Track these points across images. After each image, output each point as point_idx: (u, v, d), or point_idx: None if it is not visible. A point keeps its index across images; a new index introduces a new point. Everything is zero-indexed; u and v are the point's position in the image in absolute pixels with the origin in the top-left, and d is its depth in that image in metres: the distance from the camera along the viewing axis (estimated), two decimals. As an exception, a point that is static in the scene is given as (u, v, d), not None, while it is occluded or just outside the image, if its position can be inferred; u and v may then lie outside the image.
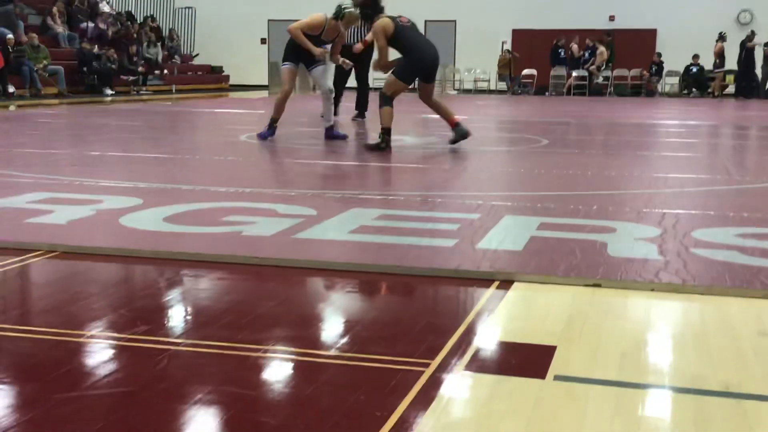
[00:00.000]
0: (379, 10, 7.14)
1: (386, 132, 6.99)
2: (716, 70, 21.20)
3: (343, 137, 7.88)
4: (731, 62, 21.24)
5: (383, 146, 6.95)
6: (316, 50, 7.48)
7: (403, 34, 7.01)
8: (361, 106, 10.80)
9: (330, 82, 7.75)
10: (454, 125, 7.23)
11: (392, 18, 7.06)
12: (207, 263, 3.10)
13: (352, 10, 7.32)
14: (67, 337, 2.28)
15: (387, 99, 7.09)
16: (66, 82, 17.40)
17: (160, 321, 2.49)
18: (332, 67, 8.64)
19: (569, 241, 3.41)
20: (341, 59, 7.99)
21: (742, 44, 20.78)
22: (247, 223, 3.70)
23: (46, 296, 2.73)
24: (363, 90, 10.83)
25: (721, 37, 21.04)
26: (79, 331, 2.32)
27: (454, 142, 7.22)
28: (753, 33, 21.02)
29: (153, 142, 7.98)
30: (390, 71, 7.15)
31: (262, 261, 3.11)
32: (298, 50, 7.51)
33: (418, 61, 7.07)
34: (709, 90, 21.39)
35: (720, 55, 21.04)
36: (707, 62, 21.79)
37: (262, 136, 7.75)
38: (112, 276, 3.01)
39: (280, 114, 7.79)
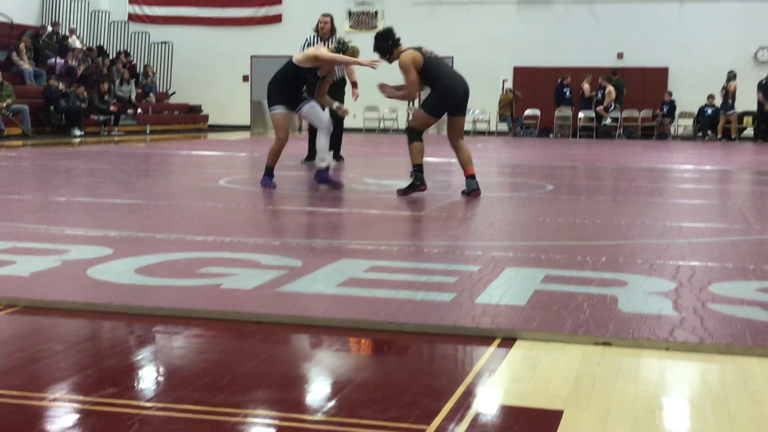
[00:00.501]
0: (397, 42, 7.19)
1: (419, 169, 7.10)
2: (729, 112, 21.47)
3: (338, 184, 7.64)
4: (747, 103, 21.50)
5: (418, 184, 7.06)
6: (365, 61, 7.49)
7: (431, 66, 7.10)
8: (336, 147, 10.71)
9: (326, 117, 7.62)
10: (469, 176, 7.27)
11: (417, 49, 7.12)
12: (182, 319, 3.09)
13: (355, 45, 7.46)
14: (27, 400, 2.26)
15: (417, 134, 7.19)
16: (31, 122, 17.47)
17: (130, 382, 2.48)
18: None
19: (577, 296, 3.41)
20: (336, 104, 7.88)
21: (761, 84, 21.06)
22: (226, 275, 3.70)
23: (6, 355, 2.71)
24: (338, 129, 10.75)
25: (732, 77, 21.35)
26: (41, 394, 2.30)
27: (466, 194, 7.25)
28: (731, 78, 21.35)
29: (125, 187, 8.00)
30: (412, 103, 7.32)
31: (242, 316, 3.10)
32: (286, 90, 7.42)
33: (450, 93, 7.14)
34: (719, 136, 21.62)
35: (733, 96, 21.31)
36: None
37: (265, 183, 7.57)
38: (78, 333, 3.00)
39: (275, 162, 7.61)
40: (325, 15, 10.13)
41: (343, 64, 7.33)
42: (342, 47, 7.64)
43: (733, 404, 2.32)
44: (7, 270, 3.77)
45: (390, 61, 7.24)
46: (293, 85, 7.42)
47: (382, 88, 7.29)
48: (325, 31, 9.82)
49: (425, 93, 7.45)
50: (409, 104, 7.99)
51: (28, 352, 2.72)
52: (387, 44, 7.13)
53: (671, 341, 2.84)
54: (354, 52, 7.50)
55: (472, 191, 7.19)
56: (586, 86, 22.76)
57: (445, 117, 7.38)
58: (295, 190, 7.75)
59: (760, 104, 21.04)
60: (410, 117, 7.63)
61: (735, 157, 14.68)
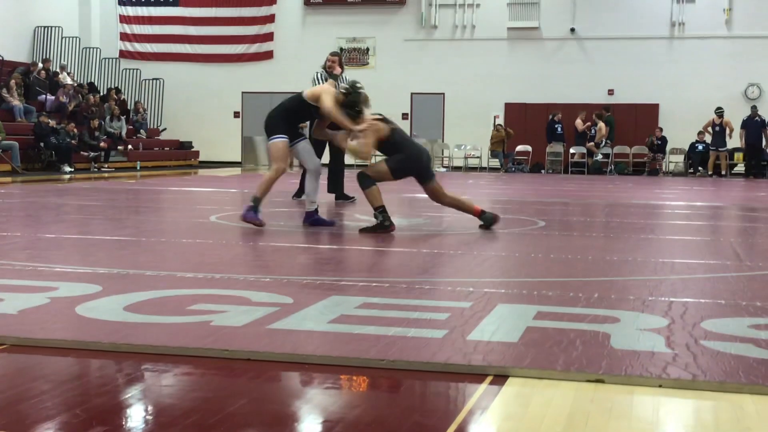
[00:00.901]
0: (361, 110, 7.22)
1: (383, 210, 7.10)
2: (721, 149, 21.67)
3: (331, 224, 7.59)
4: (738, 140, 21.71)
5: (387, 224, 7.05)
6: (355, 128, 7.12)
7: (396, 135, 7.27)
8: (338, 187, 10.82)
9: (317, 160, 7.60)
10: (480, 214, 7.41)
11: (382, 119, 7.26)
12: (172, 357, 3.07)
13: (366, 92, 7.30)
14: (14, 439, 2.24)
15: (370, 180, 7.19)
16: (21, 158, 17.50)
17: (119, 421, 2.46)
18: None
19: (569, 332, 3.41)
20: (340, 133, 7.61)
21: (744, 122, 21.30)
22: (216, 312, 3.69)
23: (-7, 394, 2.69)
24: (339, 168, 10.89)
25: (722, 113, 21.59)
26: (29, 433, 2.28)
27: (486, 227, 7.37)
28: (754, 108, 21.60)
29: (114, 224, 7.99)
30: (373, 160, 7.50)
31: (232, 354, 3.09)
32: (289, 123, 7.31)
33: (415, 157, 7.30)
34: (710, 172, 21.84)
35: (731, 132, 21.54)
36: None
37: (251, 218, 7.23)
38: (66, 371, 2.98)
39: (266, 194, 7.35)
40: (333, 54, 10.24)
41: (334, 120, 7.08)
42: (353, 93, 7.20)
43: (727, 442, 2.32)
44: (-5, 307, 3.76)
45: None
46: (297, 119, 7.46)
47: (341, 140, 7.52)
48: (332, 69, 9.85)
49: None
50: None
51: (15, 390, 2.71)
52: (353, 111, 7.16)
53: (664, 378, 2.84)
54: (366, 100, 7.27)
55: (491, 220, 7.38)
56: (578, 122, 22.95)
57: None
58: (285, 226, 7.75)
59: (747, 141, 21.29)
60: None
61: (725, 194, 14.77)
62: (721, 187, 16.59)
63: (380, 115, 7.33)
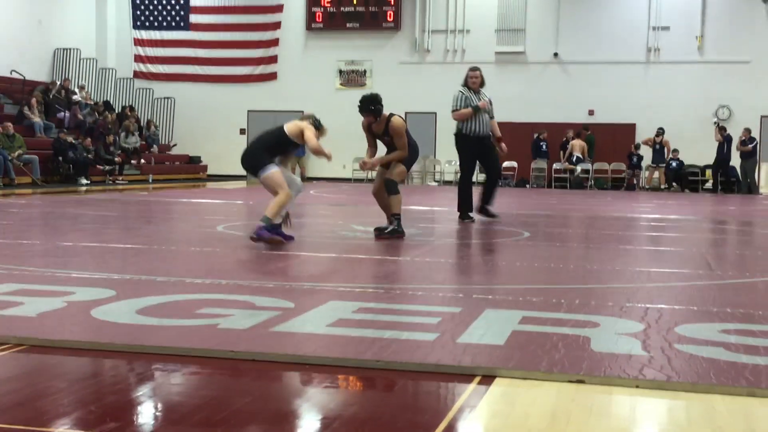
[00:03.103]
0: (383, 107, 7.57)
1: (400, 218, 7.45)
2: (661, 164, 22.19)
3: (289, 238, 7.03)
4: (708, 157, 21.83)
5: (402, 231, 7.37)
6: (328, 153, 7.01)
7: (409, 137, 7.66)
8: (488, 199, 9.83)
9: (299, 183, 7.30)
10: (390, 216, 7.60)
11: (399, 116, 7.64)
12: (181, 357, 3.07)
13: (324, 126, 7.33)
14: (33, 434, 2.24)
15: (397, 187, 7.58)
16: (41, 171, 17.47)
17: (131, 417, 2.45)
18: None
19: (552, 336, 3.41)
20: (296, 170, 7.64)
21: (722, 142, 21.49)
22: (223, 316, 3.69)
23: (13, 391, 2.68)
24: (494, 182, 9.99)
25: (662, 132, 22.05)
26: (46, 428, 2.28)
27: (379, 233, 7.47)
28: (717, 124, 21.83)
29: (128, 233, 7.98)
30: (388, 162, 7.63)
31: (237, 355, 3.08)
32: (272, 154, 6.97)
33: (415, 151, 7.77)
34: (647, 186, 22.30)
35: (669, 149, 22.06)
36: (686, 157, 22.33)
37: (265, 236, 6.63)
38: (81, 370, 2.97)
39: (275, 216, 6.81)
40: (474, 69, 9.75)
41: (314, 151, 7.04)
42: (317, 124, 7.09)
43: (699, 439, 2.32)
44: (15, 311, 3.75)
45: (375, 121, 7.49)
46: (277, 152, 7.03)
47: (364, 165, 7.70)
48: (476, 84, 9.53)
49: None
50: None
51: (34, 388, 2.70)
52: (379, 107, 7.47)
53: (641, 379, 2.83)
54: (322, 132, 7.33)
55: (385, 232, 7.44)
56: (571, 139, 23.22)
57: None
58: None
59: (719, 156, 21.48)
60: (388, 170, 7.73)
61: (697, 208, 14.79)
62: (694, 202, 16.61)
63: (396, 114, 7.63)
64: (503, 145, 10.11)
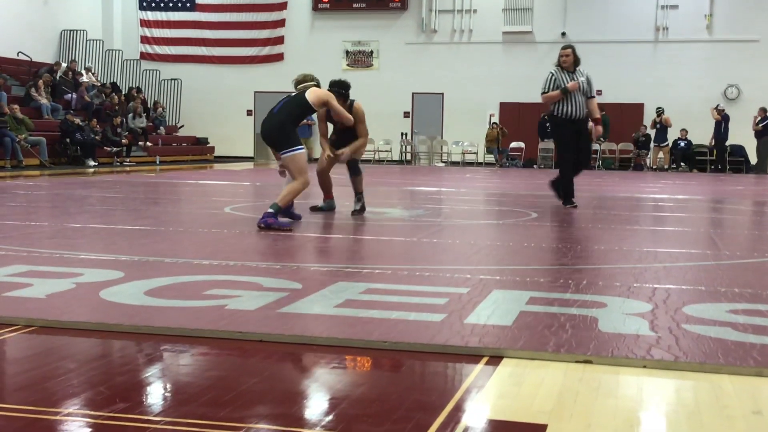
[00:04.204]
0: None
1: (363, 195, 8.03)
2: (662, 144, 22.08)
3: (298, 217, 7.22)
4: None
5: (365, 206, 8.00)
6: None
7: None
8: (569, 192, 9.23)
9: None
10: (325, 199, 8.10)
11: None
12: (189, 338, 3.08)
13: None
14: (42, 414, 2.25)
15: (359, 166, 8.11)
16: (48, 153, 17.50)
17: (139, 398, 2.46)
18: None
19: (559, 316, 3.41)
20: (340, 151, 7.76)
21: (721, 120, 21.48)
22: (231, 297, 3.69)
23: (22, 372, 2.70)
24: (582, 165, 9.38)
25: (662, 111, 22.04)
26: (55, 409, 2.29)
27: (317, 210, 8.02)
28: (718, 106, 21.76)
29: (135, 214, 7.99)
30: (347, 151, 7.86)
31: (245, 336, 3.09)
32: (298, 122, 6.81)
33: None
34: (653, 166, 22.20)
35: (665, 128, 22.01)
36: (695, 137, 22.23)
37: (275, 224, 6.47)
38: (90, 351, 2.98)
39: (286, 205, 6.78)
40: (565, 47, 9.23)
41: (345, 120, 7.31)
42: (340, 92, 7.61)
43: (707, 419, 2.32)
44: (25, 292, 3.76)
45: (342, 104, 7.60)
46: (299, 123, 6.87)
47: (339, 157, 7.83)
48: (567, 63, 9.05)
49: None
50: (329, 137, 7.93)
51: (43, 369, 2.71)
52: (347, 92, 7.77)
53: (648, 359, 2.83)
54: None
55: (325, 209, 8.05)
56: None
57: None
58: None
59: (716, 135, 21.47)
60: (342, 151, 7.84)
61: (705, 187, 14.73)
62: (701, 182, 16.55)
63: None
64: (598, 128, 9.29)
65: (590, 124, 9.24)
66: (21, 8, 22.70)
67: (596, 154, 22.90)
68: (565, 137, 9.08)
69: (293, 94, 6.97)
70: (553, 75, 9.07)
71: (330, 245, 6.08)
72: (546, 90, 9.08)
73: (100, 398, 2.40)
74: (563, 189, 9.21)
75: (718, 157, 21.83)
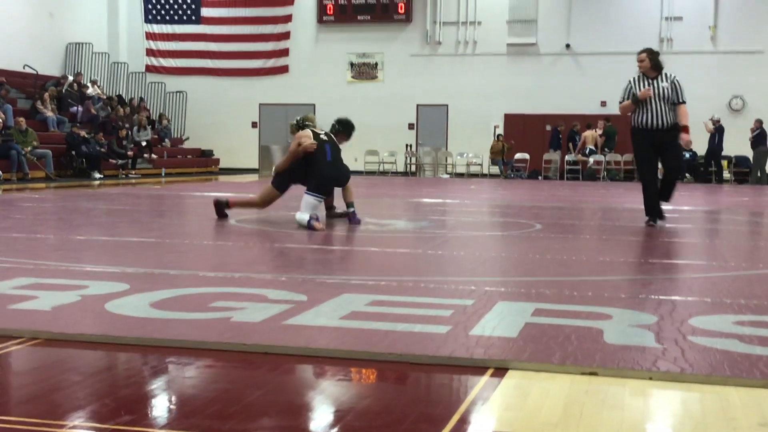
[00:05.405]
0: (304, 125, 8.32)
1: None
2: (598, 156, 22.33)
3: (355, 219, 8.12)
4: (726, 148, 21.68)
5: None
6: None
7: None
8: (662, 196, 8.40)
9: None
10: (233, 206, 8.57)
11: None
12: (194, 350, 3.08)
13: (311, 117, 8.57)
14: (47, 427, 2.25)
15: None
16: (54, 165, 17.56)
17: (145, 410, 2.46)
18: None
19: (565, 328, 3.41)
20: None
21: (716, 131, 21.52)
22: (236, 309, 3.69)
23: (28, 384, 2.70)
24: (672, 178, 8.47)
25: (607, 120, 22.20)
26: (61, 422, 2.29)
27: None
28: (713, 118, 21.76)
29: (141, 226, 8.01)
30: None
31: (250, 348, 3.09)
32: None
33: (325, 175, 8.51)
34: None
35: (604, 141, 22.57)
36: (700, 148, 22.22)
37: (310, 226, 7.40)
38: (96, 363, 2.98)
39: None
40: (640, 52, 8.34)
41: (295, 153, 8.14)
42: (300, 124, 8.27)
43: (713, 431, 2.31)
44: (30, 305, 3.77)
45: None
46: None
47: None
48: (644, 68, 8.23)
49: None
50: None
51: (49, 381, 2.71)
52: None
53: (654, 371, 2.82)
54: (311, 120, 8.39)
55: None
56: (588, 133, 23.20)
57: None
58: (299, 229, 7.74)
59: (710, 147, 21.48)
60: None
61: (710, 198, 14.71)
62: (706, 193, 16.53)
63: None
64: (684, 135, 8.20)
65: (684, 136, 8.24)
66: (27, 21, 22.82)
67: (600, 165, 22.91)
68: (641, 149, 8.28)
69: (327, 139, 8.11)
70: (629, 83, 8.35)
71: (335, 257, 6.09)
72: (621, 99, 8.39)
73: (106, 410, 2.40)
74: (644, 202, 8.45)
75: (718, 168, 21.81)
